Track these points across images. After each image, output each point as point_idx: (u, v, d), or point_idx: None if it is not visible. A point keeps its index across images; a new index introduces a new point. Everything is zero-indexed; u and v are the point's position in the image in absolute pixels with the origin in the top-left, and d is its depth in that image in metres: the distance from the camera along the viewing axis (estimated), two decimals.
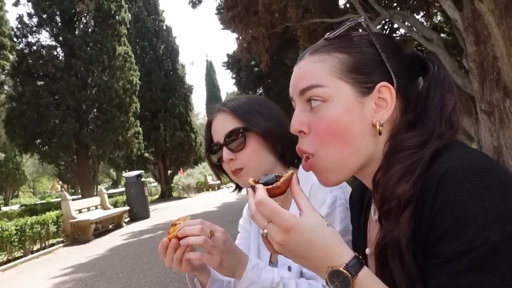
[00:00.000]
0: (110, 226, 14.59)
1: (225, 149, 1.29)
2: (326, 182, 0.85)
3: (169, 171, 28.33)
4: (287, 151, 1.34)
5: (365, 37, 0.83)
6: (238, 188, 1.49)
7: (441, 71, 0.84)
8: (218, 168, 1.41)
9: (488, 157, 0.69)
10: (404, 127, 0.81)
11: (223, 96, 56.61)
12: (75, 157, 19.58)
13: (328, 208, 1.18)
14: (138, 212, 16.25)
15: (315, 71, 0.81)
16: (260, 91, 16.51)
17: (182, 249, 1.17)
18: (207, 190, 28.98)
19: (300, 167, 1.37)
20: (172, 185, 27.92)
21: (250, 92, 17.30)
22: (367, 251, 0.89)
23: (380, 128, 0.78)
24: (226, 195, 22.28)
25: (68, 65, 18.44)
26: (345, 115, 0.78)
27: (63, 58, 19.15)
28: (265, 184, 0.75)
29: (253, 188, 0.76)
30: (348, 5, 10.80)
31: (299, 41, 9.38)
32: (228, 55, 16.46)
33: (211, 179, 30.51)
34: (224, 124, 1.32)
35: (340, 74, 0.79)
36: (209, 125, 1.38)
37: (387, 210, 0.74)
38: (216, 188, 29.63)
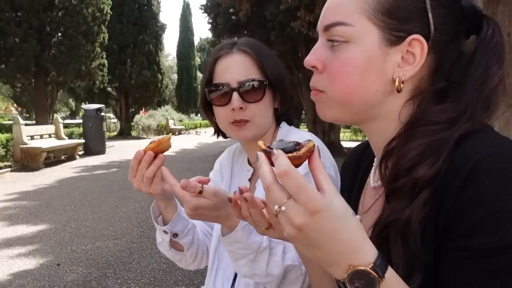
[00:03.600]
0: (63, 157, 14.24)
1: (236, 96, 1.17)
2: (323, 115, 0.78)
3: (131, 109, 27.67)
4: (284, 111, 1.28)
5: None
6: (219, 134, 1.37)
7: (494, 36, 0.71)
8: (209, 106, 1.28)
9: None
10: (433, 96, 0.71)
11: (196, 41, 55.15)
12: (33, 80, 18.66)
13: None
14: (93, 147, 15.93)
15: (346, 5, 0.71)
16: None
17: (155, 165, 1.09)
18: (167, 133, 28.56)
19: (283, 124, 1.29)
20: (132, 124, 27.37)
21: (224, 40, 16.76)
22: (358, 217, 0.81)
23: (401, 85, 0.70)
24: (186, 141, 22.14)
25: None
26: (363, 61, 0.70)
27: None
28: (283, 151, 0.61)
29: (266, 153, 0.62)
30: None
31: None
32: None
33: (173, 123, 30.14)
34: (243, 68, 1.20)
35: (372, 14, 0.70)
36: (217, 59, 1.23)
37: (399, 188, 0.65)
38: (177, 133, 29.33)
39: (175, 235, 1.25)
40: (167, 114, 31.21)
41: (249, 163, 1.35)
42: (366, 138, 0.87)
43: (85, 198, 8.20)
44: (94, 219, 6.68)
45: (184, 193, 0.95)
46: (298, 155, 0.61)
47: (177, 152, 16.24)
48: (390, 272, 0.58)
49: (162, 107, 34.20)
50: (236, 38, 1.28)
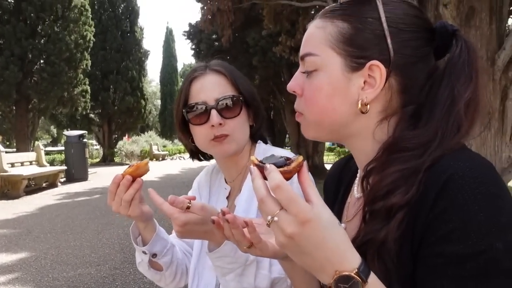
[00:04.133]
0: (44, 184, 13.99)
1: (215, 113, 1.21)
2: (306, 135, 0.86)
3: (114, 136, 27.46)
4: (258, 126, 1.33)
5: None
6: (195, 157, 1.41)
7: (462, 55, 0.75)
8: (185, 127, 1.32)
9: (493, 166, 0.67)
10: (407, 118, 0.77)
11: (180, 67, 55.42)
12: (14, 108, 18.44)
13: None
14: (76, 173, 15.70)
15: (313, 38, 0.80)
16: None
17: (133, 189, 1.11)
18: (151, 159, 28.38)
19: (259, 142, 1.35)
20: (115, 150, 27.12)
21: None
22: (342, 225, 0.86)
23: (366, 106, 0.76)
24: (170, 166, 21.97)
25: (18, 8, 17.14)
26: (328, 87, 0.77)
27: (12, 1, 17.79)
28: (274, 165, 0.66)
29: (259, 167, 0.66)
30: None
31: (264, 21, 9.24)
32: (190, 24, 15.97)
33: (156, 149, 29.97)
34: (218, 87, 1.25)
35: (334, 44, 0.77)
36: (191, 80, 1.27)
37: (376, 210, 0.71)
38: (160, 159, 29.13)
39: (154, 255, 1.26)
40: (151, 140, 31.03)
41: (226, 182, 1.38)
42: None
43: (66, 225, 8.05)
44: (76, 246, 6.55)
45: (172, 210, 0.96)
46: (288, 169, 0.65)
47: (161, 177, 16.11)
48: (373, 277, 0.63)
49: (146, 133, 34.03)
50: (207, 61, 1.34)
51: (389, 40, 0.74)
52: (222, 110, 1.22)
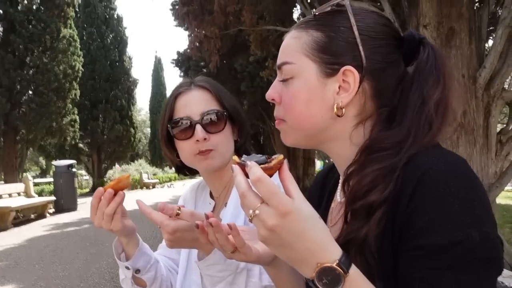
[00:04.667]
0: (32, 215, 13.74)
1: (200, 128, 1.23)
2: (285, 141, 0.88)
3: (103, 165, 27.23)
4: (242, 141, 1.34)
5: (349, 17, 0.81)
6: (180, 171, 1.42)
7: (430, 59, 0.80)
8: (170, 143, 1.32)
9: (466, 161, 0.70)
10: (381, 121, 0.80)
11: (169, 95, 55.61)
12: (1, 139, 18.27)
13: None
14: (65, 204, 15.45)
15: (289, 47, 0.84)
16: None
17: (115, 202, 1.11)
18: (141, 188, 28.13)
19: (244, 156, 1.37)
20: (105, 179, 26.84)
21: None
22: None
23: (342, 110, 0.79)
24: (160, 194, 21.77)
25: (6, 40, 17.19)
26: (305, 92, 0.80)
27: (1, 33, 17.87)
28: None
29: (241, 165, 0.68)
30: (301, 17, 10.98)
31: (251, 47, 9.40)
32: (178, 52, 16.15)
33: (146, 177, 29.74)
34: (203, 102, 1.27)
35: (309, 52, 0.81)
36: (177, 96, 1.29)
37: (356, 209, 0.73)
38: (151, 187, 28.87)
39: (137, 271, 1.24)
40: (141, 169, 30.85)
41: (211, 197, 1.39)
42: None
43: (55, 256, 7.90)
44: (65, 276, 6.43)
45: (162, 217, 0.96)
46: (269, 166, 0.67)
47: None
48: (354, 269, 0.64)
49: (136, 161, 33.84)
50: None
51: (360, 47, 0.78)
52: (207, 125, 1.24)
